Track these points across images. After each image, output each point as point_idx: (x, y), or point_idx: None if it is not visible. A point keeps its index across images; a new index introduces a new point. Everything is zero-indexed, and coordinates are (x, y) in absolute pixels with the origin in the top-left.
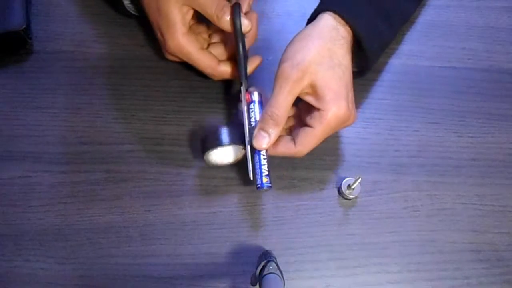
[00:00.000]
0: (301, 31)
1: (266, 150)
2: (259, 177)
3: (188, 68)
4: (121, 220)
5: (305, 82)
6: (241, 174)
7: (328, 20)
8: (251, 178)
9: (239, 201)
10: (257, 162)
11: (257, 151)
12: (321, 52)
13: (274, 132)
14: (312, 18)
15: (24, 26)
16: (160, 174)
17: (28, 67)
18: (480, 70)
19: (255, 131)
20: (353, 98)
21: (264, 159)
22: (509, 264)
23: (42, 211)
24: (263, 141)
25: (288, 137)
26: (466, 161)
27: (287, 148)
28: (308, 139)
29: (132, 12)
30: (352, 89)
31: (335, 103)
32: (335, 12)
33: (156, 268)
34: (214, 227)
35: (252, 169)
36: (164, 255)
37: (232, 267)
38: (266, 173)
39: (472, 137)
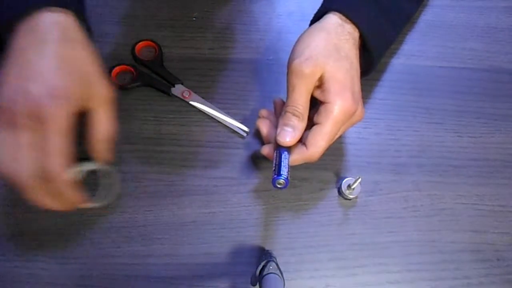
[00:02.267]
0: (306, 29)
1: (288, 154)
2: (281, 169)
3: (188, 68)
4: (121, 220)
5: (317, 75)
6: (241, 174)
7: (333, 19)
8: None
9: (239, 201)
10: (282, 159)
11: (282, 149)
12: (328, 46)
13: (298, 126)
14: (315, 18)
15: None
16: (160, 174)
17: None
18: (480, 70)
19: (278, 129)
20: (360, 93)
21: (287, 159)
22: (509, 264)
23: (42, 211)
24: (288, 135)
25: (299, 143)
26: (466, 161)
27: (299, 153)
28: (318, 138)
29: None
30: (359, 83)
31: (340, 95)
32: (339, 11)
33: (156, 268)
34: (214, 227)
35: (276, 165)
36: (164, 255)
37: (232, 267)
38: (287, 171)
39: (472, 137)
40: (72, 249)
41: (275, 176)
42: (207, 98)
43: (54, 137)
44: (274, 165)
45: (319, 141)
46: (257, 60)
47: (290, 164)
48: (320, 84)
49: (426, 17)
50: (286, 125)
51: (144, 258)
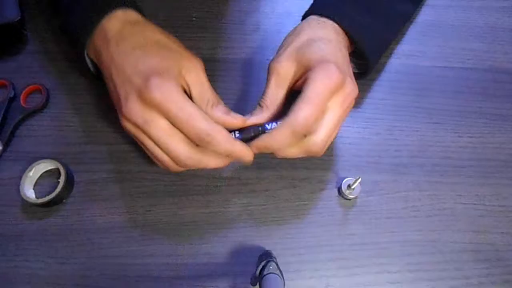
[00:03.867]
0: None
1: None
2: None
3: None
4: (121, 220)
5: (291, 68)
6: (241, 174)
7: (313, 17)
8: None
9: (239, 201)
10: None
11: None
12: (301, 38)
13: (259, 114)
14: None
15: (18, 18)
16: (160, 174)
17: (28, 67)
18: (480, 70)
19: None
20: (350, 69)
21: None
22: (509, 264)
23: (42, 211)
24: (242, 118)
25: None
26: (466, 161)
27: (280, 125)
28: (298, 103)
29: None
30: (346, 61)
31: (321, 64)
32: (320, 14)
33: (156, 268)
34: (214, 227)
35: None
36: (164, 255)
37: (232, 267)
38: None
39: (472, 137)
40: (72, 249)
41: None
42: None
43: (179, 109)
44: None
45: (299, 104)
46: (257, 60)
47: (277, 142)
48: (304, 71)
49: (426, 17)
50: (251, 114)
51: (144, 258)
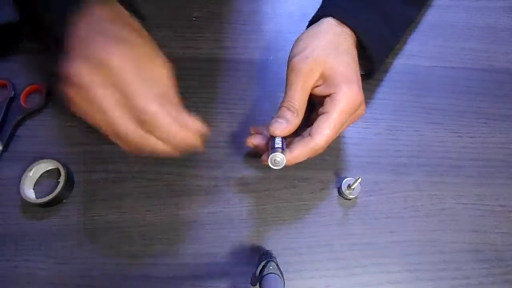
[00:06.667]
0: (305, 31)
1: (283, 146)
2: (276, 144)
3: (188, 68)
4: (121, 220)
5: (316, 74)
6: (241, 174)
7: (330, 21)
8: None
9: (239, 201)
10: (277, 140)
11: (275, 140)
12: (327, 44)
13: (291, 120)
14: (311, 24)
15: (18, 18)
16: (160, 174)
17: (28, 67)
18: (480, 70)
19: (272, 120)
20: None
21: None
22: (509, 264)
23: (42, 211)
24: (279, 127)
25: (303, 137)
26: (466, 161)
27: (304, 144)
28: (324, 125)
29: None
30: (360, 76)
31: (345, 85)
32: (334, 16)
33: (156, 268)
34: (214, 227)
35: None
36: (164, 255)
37: (232, 267)
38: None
39: (472, 137)
40: (72, 249)
41: (271, 152)
42: (207, 98)
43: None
44: (270, 149)
45: (325, 128)
46: (257, 60)
47: (295, 159)
48: (324, 81)
49: (426, 17)
50: (279, 117)
51: (144, 258)
